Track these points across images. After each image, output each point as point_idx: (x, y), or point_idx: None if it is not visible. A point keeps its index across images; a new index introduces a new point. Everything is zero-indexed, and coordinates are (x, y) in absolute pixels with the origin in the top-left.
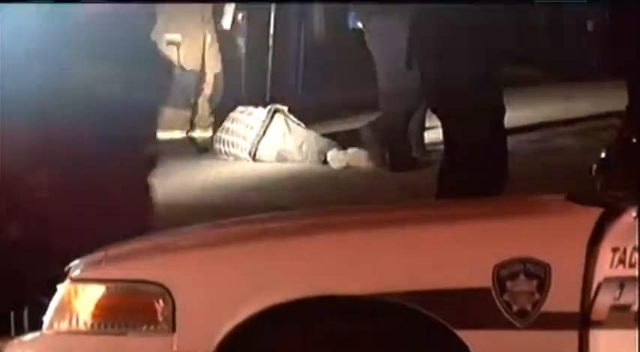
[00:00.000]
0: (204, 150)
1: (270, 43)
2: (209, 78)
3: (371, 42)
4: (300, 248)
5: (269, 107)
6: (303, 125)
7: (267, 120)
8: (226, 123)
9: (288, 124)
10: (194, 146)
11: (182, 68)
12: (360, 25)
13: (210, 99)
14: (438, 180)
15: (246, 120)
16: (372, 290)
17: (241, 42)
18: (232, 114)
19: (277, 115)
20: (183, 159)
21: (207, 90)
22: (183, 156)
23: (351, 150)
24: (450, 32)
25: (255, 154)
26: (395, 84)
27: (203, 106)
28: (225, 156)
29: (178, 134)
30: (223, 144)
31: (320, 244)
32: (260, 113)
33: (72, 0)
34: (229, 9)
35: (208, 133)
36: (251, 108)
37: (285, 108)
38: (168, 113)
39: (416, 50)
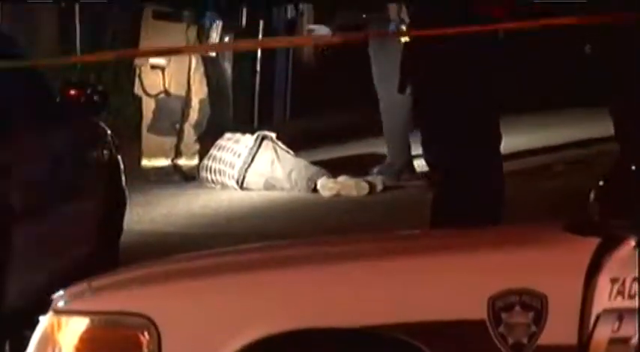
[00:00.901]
0: (191, 178)
1: (258, 68)
2: (195, 103)
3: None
4: (289, 279)
5: (257, 134)
6: (292, 152)
7: (255, 148)
8: (213, 151)
9: (276, 151)
10: (180, 174)
11: (167, 93)
12: None
13: (196, 126)
14: (432, 208)
15: (234, 148)
16: (363, 322)
17: (228, 67)
18: (219, 142)
19: (265, 142)
20: (169, 187)
21: (193, 116)
22: (169, 184)
23: (341, 178)
24: (444, 58)
25: (242, 182)
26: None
27: (189, 133)
28: (212, 185)
29: (164, 161)
30: (210, 172)
31: (309, 276)
32: (248, 140)
33: (72, 0)
34: (215, 33)
35: (194, 161)
36: (238, 135)
37: (274, 135)
38: (153, 139)
39: (409, 75)
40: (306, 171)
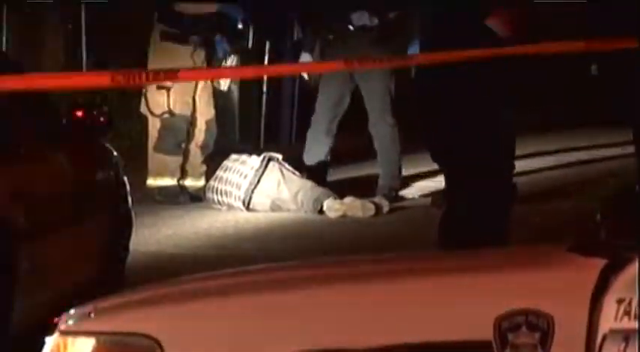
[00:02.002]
0: (197, 199)
1: (264, 89)
2: (201, 124)
3: None
4: (297, 301)
5: (263, 155)
6: (298, 173)
7: (262, 169)
8: (219, 172)
9: (282, 173)
10: (186, 195)
11: (171, 113)
12: None
13: (203, 147)
14: (440, 229)
15: (240, 169)
16: (371, 343)
17: (234, 88)
18: (225, 163)
19: (272, 163)
20: (175, 208)
21: (200, 136)
22: (175, 205)
23: (347, 200)
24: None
25: (249, 204)
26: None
27: (195, 154)
28: (219, 206)
29: (169, 181)
30: (216, 193)
31: (317, 297)
32: (254, 161)
33: (72, 0)
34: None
35: (201, 182)
36: (244, 157)
37: (280, 156)
38: (158, 159)
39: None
40: (312, 193)
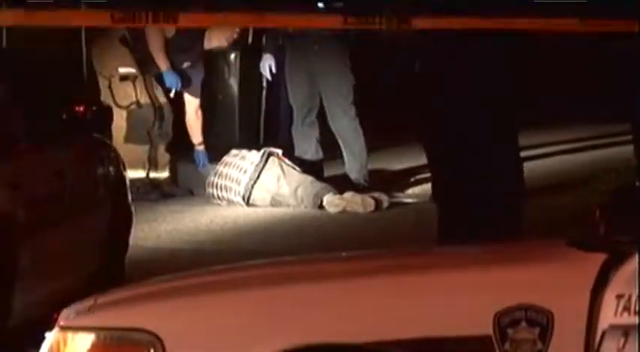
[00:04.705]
0: (170, 195)
1: (264, 83)
2: (159, 112)
3: None
4: (296, 295)
5: (263, 150)
6: (298, 168)
7: (261, 164)
8: (219, 167)
9: (282, 168)
10: (157, 192)
11: (138, 103)
12: None
13: (162, 135)
14: (439, 225)
15: (240, 164)
16: (371, 338)
17: (234, 83)
18: (225, 158)
19: (271, 159)
20: (175, 203)
21: (158, 124)
22: (145, 201)
23: (347, 195)
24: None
25: (248, 199)
26: None
27: (157, 143)
28: (218, 201)
29: (141, 173)
30: (216, 189)
31: (316, 291)
32: (254, 156)
33: (73, 0)
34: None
35: (165, 173)
36: (244, 152)
37: (280, 152)
38: (129, 149)
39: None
40: (312, 188)
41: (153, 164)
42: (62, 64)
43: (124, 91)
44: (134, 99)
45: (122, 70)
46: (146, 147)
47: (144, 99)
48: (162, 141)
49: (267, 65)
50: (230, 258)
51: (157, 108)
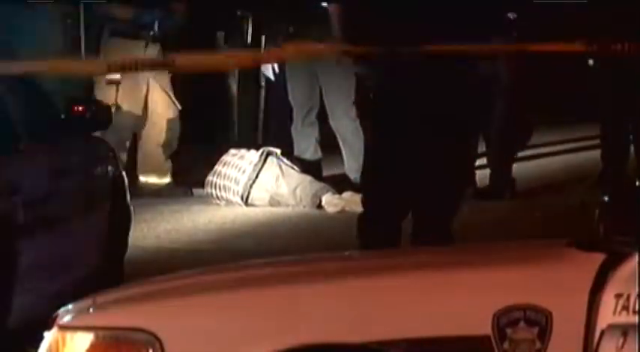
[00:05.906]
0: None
1: (262, 83)
2: (161, 123)
3: None
4: (295, 295)
5: (261, 150)
6: (297, 168)
7: (260, 164)
8: (218, 167)
9: (281, 167)
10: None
11: (117, 107)
12: None
13: (165, 146)
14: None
15: (238, 164)
16: (371, 338)
17: (233, 83)
18: (224, 157)
19: (270, 158)
20: (174, 203)
21: (162, 135)
22: (171, 199)
23: (346, 194)
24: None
25: (247, 198)
26: None
27: (157, 152)
28: (217, 201)
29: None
30: (215, 188)
31: (314, 292)
32: (252, 156)
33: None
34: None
35: (166, 180)
36: (243, 151)
37: (278, 151)
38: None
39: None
40: (311, 187)
41: (146, 172)
42: None
43: (105, 94)
44: (113, 101)
45: (109, 75)
46: (120, 153)
47: (126, 105)
48: (161, 151)
49: (269, 64)
50: (228, 257)
51: (145, 118)
